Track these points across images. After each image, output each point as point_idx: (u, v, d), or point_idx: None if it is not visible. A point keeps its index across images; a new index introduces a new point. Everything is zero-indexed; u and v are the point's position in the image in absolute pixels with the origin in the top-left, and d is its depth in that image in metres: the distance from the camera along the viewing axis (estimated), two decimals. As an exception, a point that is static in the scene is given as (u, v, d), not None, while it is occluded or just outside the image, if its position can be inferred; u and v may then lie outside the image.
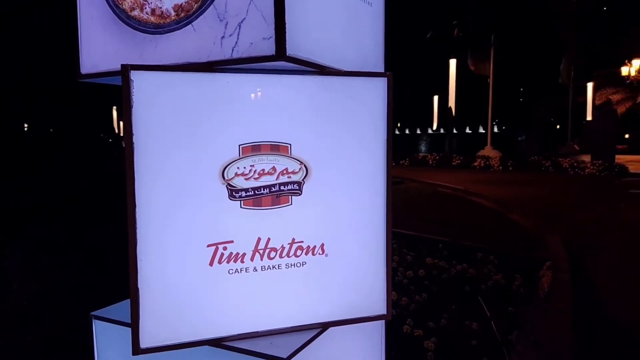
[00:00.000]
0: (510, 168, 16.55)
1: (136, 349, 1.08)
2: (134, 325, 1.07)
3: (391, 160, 1.27)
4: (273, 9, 1.01)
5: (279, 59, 1.02)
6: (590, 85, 27.58)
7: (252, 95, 1.11)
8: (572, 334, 2.73)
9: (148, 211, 1.07)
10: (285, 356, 1.08)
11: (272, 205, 1.16)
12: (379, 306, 1.27)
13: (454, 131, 24.91)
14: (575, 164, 15.32)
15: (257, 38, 1.04)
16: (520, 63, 26.13)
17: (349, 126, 1.21)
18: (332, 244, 1.22)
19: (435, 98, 23.84)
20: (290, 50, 1.03)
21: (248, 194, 1.14)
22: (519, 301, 3.48)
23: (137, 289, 1.07)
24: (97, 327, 1.34)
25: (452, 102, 21.48)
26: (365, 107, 1.22)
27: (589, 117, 24.69)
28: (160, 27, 1.15)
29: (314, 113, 1.17)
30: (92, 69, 1.26)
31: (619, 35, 30.63)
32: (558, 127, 37.10)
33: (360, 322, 1.26)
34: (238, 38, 1.06)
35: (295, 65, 1.09)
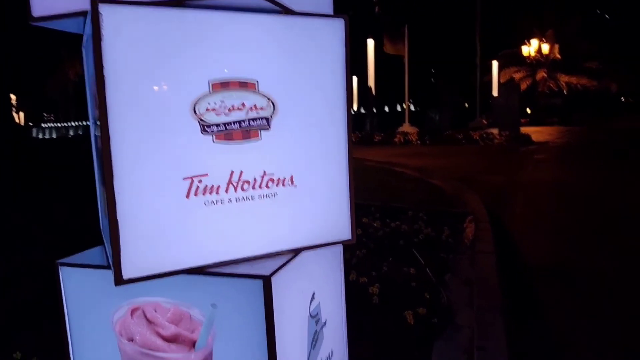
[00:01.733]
0: (428, 142, 17.52)
1: (119, 280, 1.10)
2: (115, 256, 1.09)
3: (351, 101, 1.38)
4: (240, -56, 1.06)
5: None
6: (495, 64, 29.67)
7: (221, 32, 1.16)
8: (497, 270, 3.06)
9: (122, 145, 1.08)
10: (268, 274, 1.16)
11: (242, 140, 1.22)
12: (345, 232, 1.39)
13: (374, 110, 25.75)
14: (485, 136, 16.55)
15: (226, -27, 1.08)
16: (431, 43, 27.45)
17: (312, 65, 1.29)
18: (300, 176, 1.30)
19: (355, 79, 24.40)
20: (260, -14, 1.08)
21: (219, 128, 1.19)
22: (449, 249, 3.81)
23: (117, 221, 1.09)
24: (64, 273, 1.33)
25: (371, 82, 22.13)
26: (326, 47, 1.30)
27: (495, 94, 26.63)
28: (120, -37, 1.15)
29: (279, 52, 1.24)
30: (46, 11, 1.22)
31: (519, 17, 33.10)
32: (467, 105, 39.55)
33: (329, 245, 1.37)
34: (206, -27, 1.09)
35: (261, 2, 1.15)
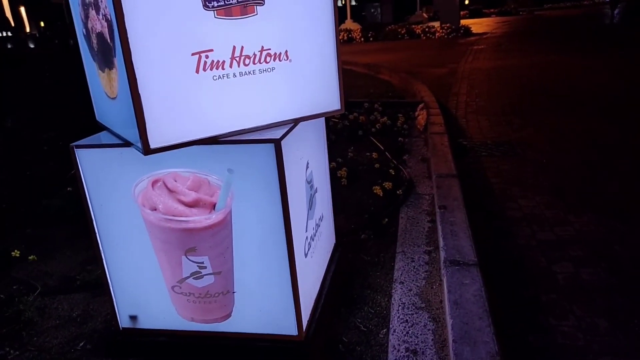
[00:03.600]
0: (371, 39, 17.37)
1: (147, 150, 1.22)
2: (141, 128, 1.20)
3: (333, -26, 1.45)
4: None
5: None
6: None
7: None
8: (449, 147, 3.38)
9: (136, 24, 1.14)
10: (278, 137, 1.31)
11: (241, 15, 1.29)
12: (335, 102, 1.54)
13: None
14: (427, 30, 16.59)
15: None
16: None
17: (298, -62, 1.33)
18: (294, 50, 1.40)
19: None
20: None
21: (219, 3, 1.25)
22: (404, 134, 4.09)
23: (139, 96, 1.18)
24: (81, 155, 1.41)
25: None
26: None
27: (434, -16, 26.09)
28: None
29: None
30: None
31: None
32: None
33: (322, 116, 1.53)
34: None
35: None
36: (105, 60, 1.34)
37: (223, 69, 1.29)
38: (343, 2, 23.32)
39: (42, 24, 39.60)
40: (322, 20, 1.45)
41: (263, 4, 1.32)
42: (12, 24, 26.73)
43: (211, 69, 1.27)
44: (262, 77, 1.37)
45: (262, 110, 1.39)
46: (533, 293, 1.96)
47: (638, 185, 2.92)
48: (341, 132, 4.22)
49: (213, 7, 1.24)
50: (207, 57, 1.26)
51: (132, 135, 1.27)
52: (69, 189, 3.09)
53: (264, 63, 1.36)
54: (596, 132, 4.02)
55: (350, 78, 7.91)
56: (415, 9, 28.75)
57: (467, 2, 35.91)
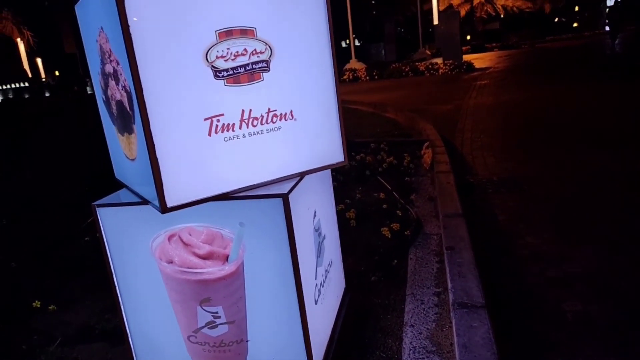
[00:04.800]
0: (376, 77, 17.74)
1: (164, 209, 1.31)
2: (159, 189, 1.29)
3: (334, 44, 1.57)
4: None
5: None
6: (433, -8, 29.56)
7: (221, -14, 1.31)
8: (455, 185, 3.44)
9: (154, 96, 1.25)
10: (286, 192, 1.40)
11: (248, 82, 1.41)
12: (339, 155, 1.63)
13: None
14: (430, 67, 16.93)
15: None
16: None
17: (300, 12, 1.46)
18: (299, 110, 1.51)
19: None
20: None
21: (229, 73, 1.37)
22: (411, 174, 4.17)
23: (157, 159, 1.28)
24: (102, 213, 1.51)
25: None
26: (309, -6, 1.48)
27: (435, 22, 26.84)
28: None
29: (271, 2, 1.40)
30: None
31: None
32: (409, 37, 39.72)
33: (327, 168, 1.62)
34: None
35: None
36: (124, 125, 1.46)
37: (233, 130, 1.40)
38: (347, 43, 23.97)
39: (56, 73, 41.17)
40: (323, 80, 1.56)
41: (269, 70, 1.44)
42: (30, 75, 27.84)
43: (222, 132, 1.38)
44: (269, 136, 1.47)
45: (270, 166, 1.49)
46: (542, 331, 1.97)
47: (644, 218, 2.94)
48: (349, 173, 4.31)
49: (223, 76, 1.36)
50: (218, 121, 1.37)
51: (150, 194, 1.37)
52: (86, 238, 3.19)
53: (270, 123, 1.47)
54: (599, 165, 4.07)
55: (356, 118, 8.08)
56: (419, 46, 29.44)
57: (468, 37, 36.70)
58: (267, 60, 1.43)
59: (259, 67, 1.42)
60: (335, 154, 1.63)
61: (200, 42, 1.30)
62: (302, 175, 1.56)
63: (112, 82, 1.46)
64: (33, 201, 4.39)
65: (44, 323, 2.35)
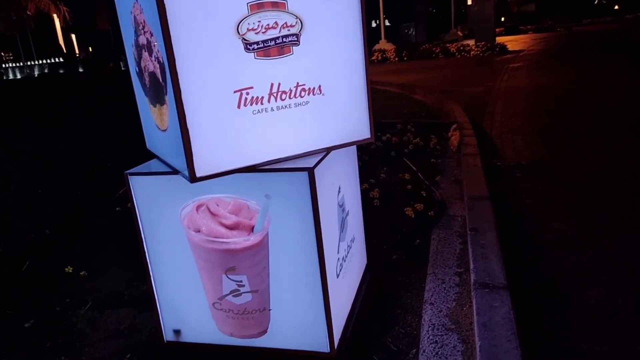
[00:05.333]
0: (405, 58, 17.47)
1: (193, 178, 1.35)
2: (188, 159, 1.33)
3: (365, 20, 1.56)
4: None
5: None
6: (468, -29, 28.68)
7: (253, -42, 1.31)
8: (482, 169, 3.40)
9: (186, 67, 1.28)
10: (311, 166, 1.41)
11: (278, 55, 1.42)
12: (366, 132, 1.63)
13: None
14: (461, 48, 16.55)
15: None
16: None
17: (331, -16, 1.46)
18: (327, 85, 1.52)
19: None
20: None
21: (259, 46, 1.38)
22: (437, 155, 4.14)
23: (187, 129, 1.31)
24: (134, 182, 1.56)
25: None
26: (341, -34, 1.46)
27: (469, 2, 26.09)
28: None
29: (303, -28, 1.40)
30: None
31: None
32: (441, 17, 38.76)
33: (353, 144, 1.63)
34: None
35: None
36: (156, 96, 1.49)
37: (262, 104, 1.42)
38: (377, 23, 23.56)
39: (90, 49, 41.92)
40: (353, 56, 1.56)
41: (299, 44, 1.44)
42: (64, 51, 28.45)
43: (251, 104, 1.40)
44: (297, 111, 1.48)
45: (297, 141, 1.50)
46: (565, 317, 1.96)
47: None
48: (374, 153, 4.30)
49: (253, 49, 1.38)
50: (247, 94, 1.39)
51: (180, 164, 1.41)
52: (117, 208, 3.29)
53: (299, 97, 1.48)
54: (633, 154, 3.94)
55: (384, 99, 8.00)
56: (450, 27, 28.74)
57: (503, 19, 35.57)
58: (298, 34, 1.44)
59: (289, 41, 1.43)
60: (362, 130, 1.63)
61: (231, 14, 1.32)
62: (328, 150, 1.57)
63: (145, 54, 1.50)
64: (67, 172, 4.55)
65: (76, 287, 2.46)
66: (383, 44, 20.75)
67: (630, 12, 42.63)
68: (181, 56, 1.27)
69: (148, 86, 1.57)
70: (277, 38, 1.40)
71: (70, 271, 2.57)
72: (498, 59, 14.01)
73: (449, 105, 6.29)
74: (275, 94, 1.43)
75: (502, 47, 16.03)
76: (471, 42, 17.28)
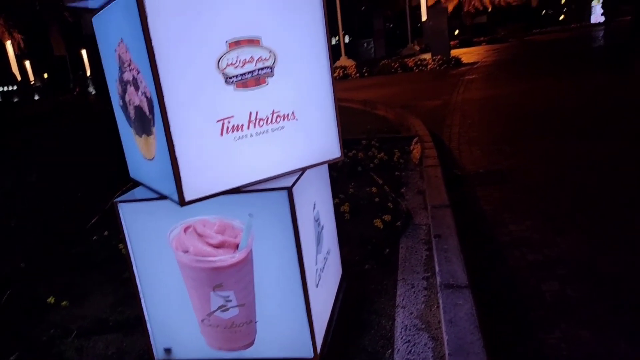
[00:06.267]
0: (366, 74, 17.93)
1: (182, 202, 1.47)
2: (178, 184, 1.45)
3: (330, 47, 1.73)
4: None
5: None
6: (421, -12, 29.77)
7: (231, 1, 1.47)
8: (442, 179, 3.63)
9: (173, 101, 1.41)
10: (289, 185, 1.56)
11: (255, 86, 1.57)
12: (336, 151, 1.80)
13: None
14: (419, 62, 17.16)
15: (234, -45, 1.38)
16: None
17: (300, 22, 1.62)
18: (299, 110, 1.67)
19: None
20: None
21: (238, 79, 1.53)
22: (401, 168, 4.36)
23: (176, 158, 1.44)
24: (124, 209, 1.66)
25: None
26: (308, 5, 1.64)
27: (424, 18, 27.07)
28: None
29: (275, 13, 1.56)
30: (77, -6, 1.47)
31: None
32: (398, 32, 39.99)
33: (325, 163, 1.79)
34: (217, -44, 1.38)
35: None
36: (143, 128, 1.61)
37: (242, 130, 1.56)
38: (337, 40, 24.12)
39: (45, 75, 40.82)
40: (321, 82, 1.72)
41: (273, 75, 1.60)
42: (19, 78, 27.66)
43: (233, 132, 1.54)
44: (274, 135, 1.63)
45: (275, 163, 1.65)
46: (522, 310, 2.16)
47: (623, 203, 3.15)
48: (342, 169, 4.48)
49: (232, 82, 1.52)
50: (229, 122, 1.53)
51: (169, 189, 1.52)
52: (94, 237, 3.32)
53: (275, 123, 1.63)
54: (584, 156, 4.28)
55: (348, 115, 8.25)
56: (407, 42, 29.69)
57: (456, 32, 37.00)
58: (272, 67, 1.59)
59: (264, 73, 1.58)
60: (333, 150, 1.79)
61: (213, 51, 1.46)
62: (303, 170, 1.72)
63: (130, 89, 1.61)
64: (39, 203, 4.51)
65: (60, 317, 2.48)
66: (344, 61, 21.25)
67: (574, 22, 45.19)
68: (168, 92, 1.40)
69: (133, 118, 1.68)
70: (254, 71, 1.56)
71: (52, 301, 2.59)
72: (454, 71, 14.63)
73: (409, 119, 6.58)
74: (253, 122, 1.58)
75: (457, 60, 16.74)
76: (428, 56, 17.95)
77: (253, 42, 1.54)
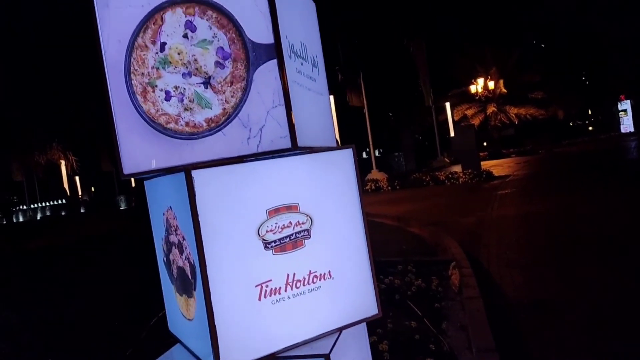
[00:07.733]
0: (398, 187, 18.22)
1: (219, 371, 1.45)
2: (215, 350, 1.44)
3: (364, 204, 1.80)
4: (285, 118, 1.50)
5: (294, 149, 1.51)
6: (447, 104, 31.39)
7: (270, 173, 1.58)
8: (486, 313, 3.47)
9: (214, 269, 1.46)
10: (327, 351, 1.53)
11: (292, 249, 1.62)
12: (373, 309, 1.78)
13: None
14: (450, 176, 17.40)
15: (276, 137, 1.51)
16: (385, 92, 29.07)
17: (335, 185, 1.72)
18: (336, 269, 1.70)
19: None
20: (300, 143, 1.52)
21: (276, 244, 1.59)
22: (440, 298, 4.21)
23: (215, 325, 1.45)
24: (161, 373, 1.65)
25: (336, 135, 22.91)
26: (342, 170, 1.75)
27: (451, 133, 28.07)
28: (194, 134, 1.56)
29: (311, 179, 1.67)
30: (134, 169, 1.62)
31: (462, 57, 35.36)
32: (427, 143, 41.38)
33: (363, 322, 1.75)
34: (261, 138, 1.52)
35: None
36: (184, 289, 1.66)
37: (279, 293, 1.58)
38: (368, 153, 25.03)
39: (92, 189, 43.60)
40: (357, 242, 1.77)
41: (310, 237, 1.65)
42: (68, 193, 29.65)
43: (270, 295, 1.56)
44: (310, 296, 1.64)
45: (312, 324, 1.63)
46: None
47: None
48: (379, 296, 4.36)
49: (271, 247, 1.58)
50: (267, 286, 1.56)
51: (206, 354, 1.51)
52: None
53: (311, 284, 1.65)
54: (630, 284, 4.05)
55: (381, 233, 8.25)
56: (437, 154, 30.48)
57: (485, 144, 37.87)
58: (309, 229, 1.66)
59: (302, 236, 1.64)
60: (370, 307, 1.77)
61: (253, 221, 1.54)
62: (340, 330, 1.70)
63: (175, 250, 1.69)
64: (76, 336, 4.52)
65: None
66: (375, 174, 21.82)
67: (602, 132, 45.73)
68: (210, 259, 1.46)
69: (176, 277, 1.74)
70: (292, 235, 1.62)
71: None
72: (486, 185, 14.69)
73: (445, 239, 6.51)
74: (291, 283, 1.60)
75: (489, 173, 16.90)
76: (458, 169, 18.24)
77: (291, 208, 1.62)
